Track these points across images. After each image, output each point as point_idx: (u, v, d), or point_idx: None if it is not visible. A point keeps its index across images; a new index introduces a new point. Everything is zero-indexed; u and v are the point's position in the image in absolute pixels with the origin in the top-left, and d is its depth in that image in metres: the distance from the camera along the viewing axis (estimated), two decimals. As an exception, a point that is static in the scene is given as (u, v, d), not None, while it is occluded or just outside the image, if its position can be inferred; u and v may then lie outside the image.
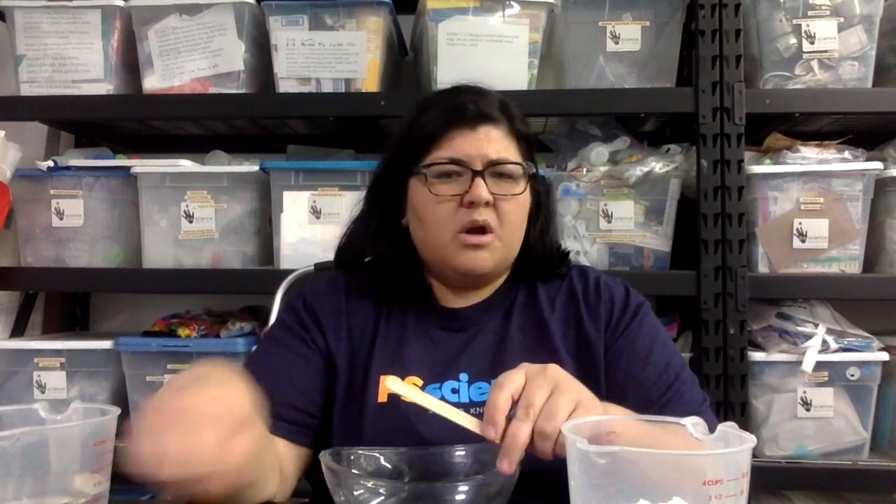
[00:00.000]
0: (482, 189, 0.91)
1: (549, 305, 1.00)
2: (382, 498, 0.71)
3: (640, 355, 0.95)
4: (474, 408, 0.89)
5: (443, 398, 0.88)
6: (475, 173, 0.92)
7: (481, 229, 0.93)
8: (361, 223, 1.06)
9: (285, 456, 0.90)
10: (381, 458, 0.83)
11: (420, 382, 0.92)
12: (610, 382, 0.94)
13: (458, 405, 0.79)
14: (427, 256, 1.00)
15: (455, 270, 0.96)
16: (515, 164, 0.95)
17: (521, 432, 0.68)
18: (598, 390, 0.80)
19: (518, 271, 1.04)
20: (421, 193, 0.95)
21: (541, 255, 1.03)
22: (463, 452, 0.84)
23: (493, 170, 0.93)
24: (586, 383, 0.77)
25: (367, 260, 1.04)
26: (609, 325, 0.98)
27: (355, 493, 0.71)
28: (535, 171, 0.99)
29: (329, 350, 0.97)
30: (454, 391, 0.91)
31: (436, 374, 0.93)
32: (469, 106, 0.94)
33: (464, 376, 0.93)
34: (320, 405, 0.95)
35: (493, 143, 0.94)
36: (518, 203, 0.95)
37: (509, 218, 0.94)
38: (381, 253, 1.02)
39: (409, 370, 0.93)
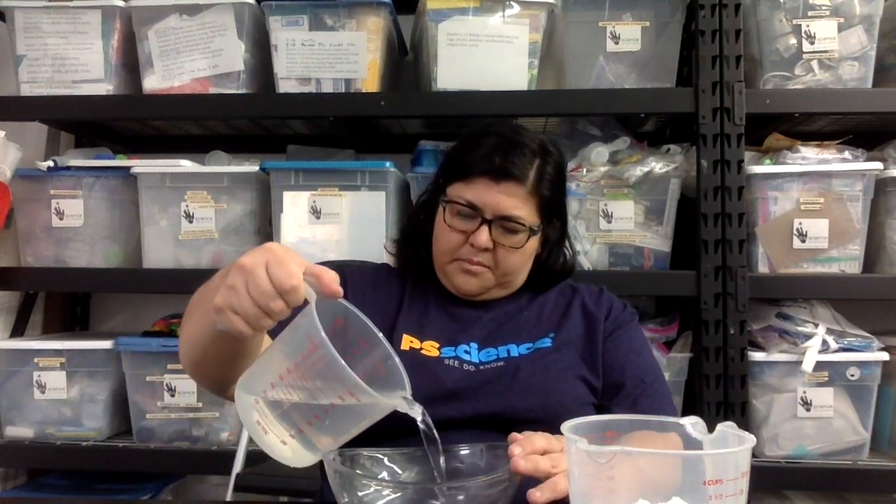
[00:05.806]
0: (483, 236, 1.05)
1: (554, 295, 1.16)
2: (387, 499, 0.71)
3: (635, 348, 1.11)
4: (483, 365, 1.03)
5: (456, 356, 1.04)
6: (484, 220, 1.05)
7: (477, 263, 1.08)
8: (413, 212, 1.23)
9: None
10: (385, 459, 0.83)
11: (437, 345, 1.05)
12: (608, 364, 1.07)
13: (468, 363, 1.02)
14: (434, 262, 1.14)
15: (450, 287, 1.11)
16: (521, 224, 1.07)
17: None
18: (596, 354, 1.06)
19: (527, 285, 1.17)
20: (440, 217, 1.10)
21: (552, 275, 1.18)
22: (466, 453, 0.84)
23: (501, 223, 1.06)
24: (590, 349, 1.06)
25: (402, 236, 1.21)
26: (609, 315, 1.12)
27: (360, 493, 0.71)
28: (543, 228, 1.12)
29: None
30: (466, 352, 1.05)
31: (451, 340, 1.06)
32: (499, 161, 1.05)
33: (474, 344, 1.06)
34: None
35: (510, 199, 1.05)
36: (517, 252, 1.08)
37: (504, 263, 1.08)
38: (409, 234, 1.19)
39: (427, 336, 1.06)
